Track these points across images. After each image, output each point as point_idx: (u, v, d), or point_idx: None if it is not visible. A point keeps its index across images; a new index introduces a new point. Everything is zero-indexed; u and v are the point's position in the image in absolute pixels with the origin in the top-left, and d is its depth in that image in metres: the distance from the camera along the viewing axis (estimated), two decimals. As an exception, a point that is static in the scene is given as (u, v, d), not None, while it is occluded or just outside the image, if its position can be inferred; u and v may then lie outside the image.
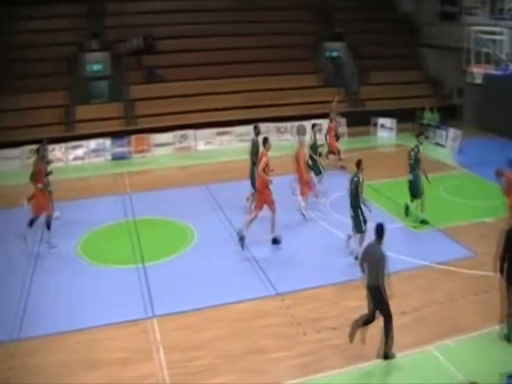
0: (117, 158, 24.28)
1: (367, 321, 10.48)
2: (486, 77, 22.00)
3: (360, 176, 14.29)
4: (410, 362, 10.43)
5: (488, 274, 13.38)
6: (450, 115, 28.48)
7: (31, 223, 15.46)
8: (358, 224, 14.38)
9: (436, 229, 16.37)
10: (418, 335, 11.13)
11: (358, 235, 14.44)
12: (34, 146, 17.04)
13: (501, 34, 20.43)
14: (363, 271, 10.40)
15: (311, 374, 10.07)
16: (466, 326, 11.45)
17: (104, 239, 16.14)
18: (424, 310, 12.04)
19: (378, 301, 10.18)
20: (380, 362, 10.37)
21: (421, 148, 16.85)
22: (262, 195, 15.30)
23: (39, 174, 15.63)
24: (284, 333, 11.34)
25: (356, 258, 13.77)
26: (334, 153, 22.38)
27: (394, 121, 27.29)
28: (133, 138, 24.64)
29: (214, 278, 13.58)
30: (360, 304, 12.18)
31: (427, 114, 27.12)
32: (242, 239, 14.93)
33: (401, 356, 10.53)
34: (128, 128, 25.43)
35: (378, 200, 18.56)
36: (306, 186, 17.57)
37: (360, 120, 27.22)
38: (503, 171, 15.42)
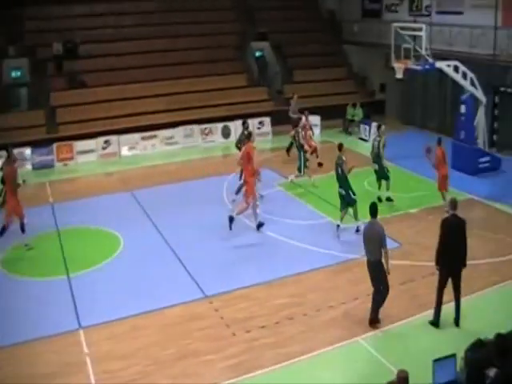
0: (39, 167, 23.49)
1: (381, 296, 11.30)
2: (408, 72, 22.56)
3: (343, 157, 15.75)
4: (339, 355, 10.57)
5: (414, 264, 13.79)
6: (374, 110, 29.09)
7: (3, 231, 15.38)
8: (351, 199, 15.76)
9: (362, 222, 16.59)
10: (347, 328, 11.29)
11: (352, 209, 15.90)
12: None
13: (419, 29, 20.94)
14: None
15: (244, 373, 10.07)
16: (394, 315, 11.67)
17: (27, 251, 15.53)
18: (352, 302, 12.22)
19: (378, 274, 11.15)
20: (310, 356, 10.45)
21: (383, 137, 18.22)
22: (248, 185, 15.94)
23: (15, 180, 15.58)
24: (215, 335, 11.29)
25: (357, 230, 15.55)
26: (314, 152, 22.08)
27: (318, 118, 27.65)
28: (55, 145, 23.93)
29: (142, 285, 13.36)
30: (289, 301, 12.36)
31: (350, 110, 27.59)
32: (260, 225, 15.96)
33: (330, 349, 10.65)
34: (50, 136, 24.66)
35: (305, 197, 18.76)
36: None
37: (285, 119, 27.42)
38: (431, 148, 17.09)
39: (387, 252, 11.08)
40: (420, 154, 17.71)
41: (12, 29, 27.96)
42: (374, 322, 11.30)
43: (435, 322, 11.27)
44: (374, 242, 11.07)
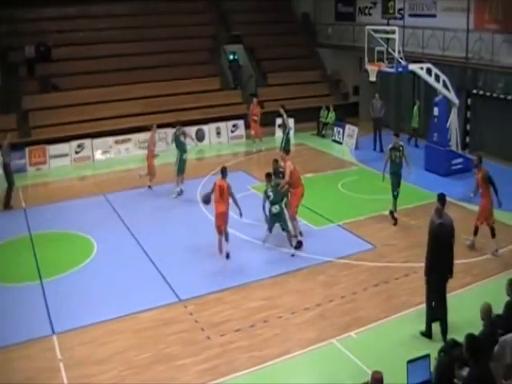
0: (11, 171, 23.26)
1: None
2: (381, 74, 22.72)
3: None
4: (314, 357, 10.57)
5: (387, 265, 13.88)
6: (348, 113, 29.24)
7: None
8: None
9: (336, 224, 16.68)
10: (322, 330, 11.30)
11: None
12: None
13: (392, 32, 21.10)
14: None
15: (219, 377, 10.02)
16: (369, 317, 11.72)
17: (-1, 257, 15.41)
18: (326, 304, 12.23)
19: None
20: (286, 359, 10.45)
21: None
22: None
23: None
24: (189, 339, 11.22)
25: None
26: None
27: (292, 120, 27.72)
28: (28, 149, 23.61)
29: (116, 289, 13.24)
30: (264, 304, 12.36)
31: (324, 113, 27.69)
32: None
33: (305, 351, 10.65)
34: (22, 140, 24.31)
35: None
36: None
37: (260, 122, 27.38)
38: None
39: None
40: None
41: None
42: None
43: (428, 334, 10.93)
44: None
